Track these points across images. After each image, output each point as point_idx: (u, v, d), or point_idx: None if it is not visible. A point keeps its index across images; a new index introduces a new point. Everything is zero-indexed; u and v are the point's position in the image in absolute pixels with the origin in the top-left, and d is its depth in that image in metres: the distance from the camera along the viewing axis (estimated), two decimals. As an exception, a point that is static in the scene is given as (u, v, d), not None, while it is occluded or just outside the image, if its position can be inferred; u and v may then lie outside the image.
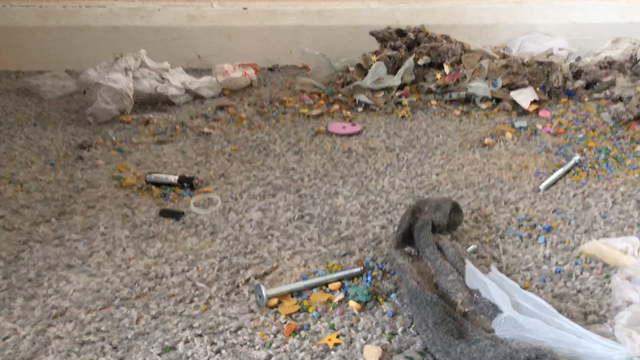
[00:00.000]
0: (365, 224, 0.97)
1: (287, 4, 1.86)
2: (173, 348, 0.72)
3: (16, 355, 0.71)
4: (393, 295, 0.80)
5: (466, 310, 0.72)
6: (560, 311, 0.76)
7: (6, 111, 1.51)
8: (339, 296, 0.80)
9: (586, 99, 1.51)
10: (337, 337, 0.73)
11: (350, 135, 1.33)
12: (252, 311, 0.78)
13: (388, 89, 1.53)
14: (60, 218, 1.01)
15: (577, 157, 1.14)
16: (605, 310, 0.76)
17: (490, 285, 0.72)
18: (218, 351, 0.71)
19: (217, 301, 0.80)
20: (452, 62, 1.55)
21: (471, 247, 0.89)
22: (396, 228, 0.95)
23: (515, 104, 1.45)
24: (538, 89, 1.49)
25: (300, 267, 0.87)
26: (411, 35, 1.62)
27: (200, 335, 0.74)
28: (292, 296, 0.81)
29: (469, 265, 0.77)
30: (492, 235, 0.93)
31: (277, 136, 1.33)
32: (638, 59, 1.67)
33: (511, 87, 1.50)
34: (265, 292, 0.78)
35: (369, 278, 0.83)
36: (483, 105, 1.46)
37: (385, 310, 0.77)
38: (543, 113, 1.42)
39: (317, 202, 1.05)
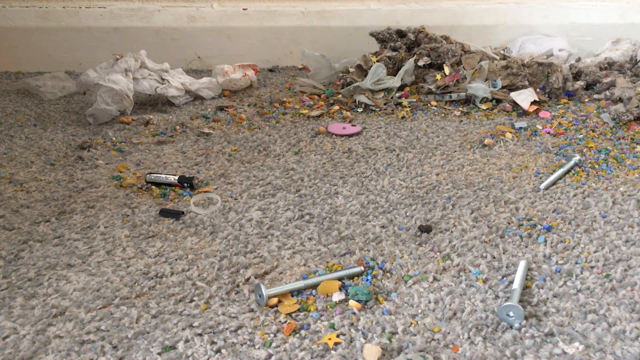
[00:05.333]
0: (366, 223, 0.97)
1: (287, 5, 1.86)
2: (173, 347, 0.72)
3: (16, 354, 0.71)
4: (393, 295, 0.80)
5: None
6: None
7: (6, 112, 1.51)
8: (339, 296, 0.80)
9: (586, 100, 1.51)
10: (337, 336, 0.73)
11: (350, 135, 1.33)
12: (252, 310, 0.78)
13: (388, 90, 1.53)
14: (60, 218, 1.01)
15: (577, 158, 1.14)
16: (605, 310, 0.76)
17: None
18: (218, 350, 0.71)
19: (217, 300, 0.80)
20: (452, 63, 1.55)
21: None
22: (396, 228, 0.96)
23: (515, 105, 1.45)
24: (538, 89, 1.49)
25: (300, 266, 0.87)
26: (411, 36, 1.62)
27: (200, 335, 0.74)
28: (292, 295, 0.80)
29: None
30: (492, 235, 0.93)
31: (277, 137, 1.33)
32: (638, 60, 1.67)
33: (511, 87, 1.51)
34: (265, 291, 0.78)
35: (369, 277, 0.83)
36: (483, 106, 1.47)
37: (385, 310, 0.77)
38: (543, 114, 1.42)
39: (317, 202, 1.05)
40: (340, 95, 1.55)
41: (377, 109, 1.47)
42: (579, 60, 1.72)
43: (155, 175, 1.12)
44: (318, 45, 1.82)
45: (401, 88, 1.56)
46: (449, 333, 0.73)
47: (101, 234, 0.96)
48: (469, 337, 0.72)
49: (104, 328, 0.75)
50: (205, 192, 1.09)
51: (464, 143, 1.27)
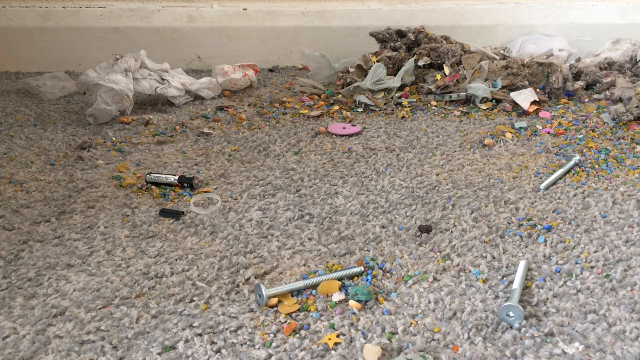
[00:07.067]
0: (366, 223, 0.97)
1: (287, 5, 1.86)
2: (173, 347, 0.72)
3: (16, 354, 0.71)
4: (393, 295, 0.80)
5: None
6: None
7: (6, 112, 1.51)
8: (339, 296, 0.80)
9: (586, 100, 1.51)
10: (337, 336, 0.73)
11: (350, 135, 1.33)
12: (252, 310, 0.78)
13: (388, 90, 1.53)
14: (60, 218, 1.01)
15: (577, 158, 1.14)
16: (605, 310, 0.76)
17: None
18: (218, 350, 0.71)
19: (217, 300, 0.80)
20: (452, 63, 1.55)
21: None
22: (396, 228, 0.96)
23: (515, 105, 1.45)
24: (538, 89, 1.49)
25: (300, 266, 0.87)
26: (411, 36, 1.62)
27: (200, 335, 0.74)
28: (292, 295, 0.80)
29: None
30: (492, 235, 0.93)
31: (277, 137, 1.33)
32: (638, 60, 1.67)
33: (511, 87, 1.51)
34: (265, 291, 0.78)
35: (369, 277, 0.83)
36: (483, 106, 1.47)
37: (385, 310, 0.77)
38: (543, 114, 1.42)
39: (317, 202, 1.05)
40: (340, 95, 1.55)
41: (377, 109, 1.47)
42: (579, 60, 1.72)
43: (155, 175, 1.12)
44: (318, 45, 1.82)
45: (401, 88, 1.56)
46: (449, 333, 0.73)
47: (101, 234, 0.96)
48: (469, 337, 0.72)
49: (104, 328, 0.75)
50: (205, 192, 1.09)
51: (464, 143, 1.27)
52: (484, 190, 1.07)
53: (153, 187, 1.11)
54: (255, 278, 0.85)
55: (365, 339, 0.72)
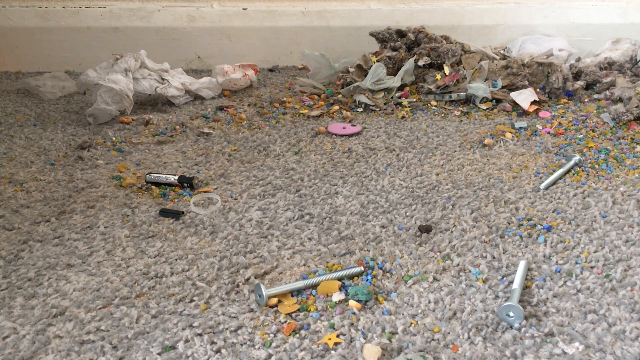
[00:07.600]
0: (365, 223, 0.97)
1: (287, 5, 1.86)
2: (173, 347, 0.72)
3: (16, 354, 0.71)
4: (393, 295, 0.80)
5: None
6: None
7: (6, 112, 1.51)
8: (339, 296, 0.80)
9: (586, 100, 1.51)
10: (337, 336, 0.73)
11: (350, 135, 1.33)
12: (252, 310, 0.78)
13: (388, 90, 1.53)
14: (60, 218, 1.01)
15: (577, 157, 1.14)
16: (605, 310, 0.76)
17: None
18: (218, 350, 0.71)
19: (217, 300, 0.80)
20: (452, 62, 1.55)
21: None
22: (396, 228, 0.96)
23: (515, 105, 1.45)
24: (538, 89, 1.49)
25: (300, 266, 0.87)
26: (411, 36, 1.62)
27: (200, 335, 0.74)
28: (292, 295, 0.80)
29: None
30: (492, 235, 0.93)
31: (277, 136, 1.33)
32: (638, 60, 1.67)
33: (511, 87, 1.51)
34: (265, 291, 0.78)
35: (369, 277, 0.83)
36: (483, 106, 1.47)
37: (385, 310, 0.77)
38: (543, 114, 1.42)
39: (317, 202, 1.05)
40: (340, 95, 1.55)
41: (377, 109, 1.47)
42: (579, 60, 1.72)
43: (155, 175, 1.12)
44: (318, 45, 1.82)
45: (401, 88, 1.56)
46: (449, 333, 0.73)
47: (101, 234, 0.96)
48: (469, 337, 0.72)
49: (104, 328, 0.75)
50: (205, 192, 1.09)
51: (464, 143, 1.27)
52: (484, 190, 1.07)
53: (153, 187, 1.11)
54: (255, 278, 0.85)
55: (365, 339, 0.72)
